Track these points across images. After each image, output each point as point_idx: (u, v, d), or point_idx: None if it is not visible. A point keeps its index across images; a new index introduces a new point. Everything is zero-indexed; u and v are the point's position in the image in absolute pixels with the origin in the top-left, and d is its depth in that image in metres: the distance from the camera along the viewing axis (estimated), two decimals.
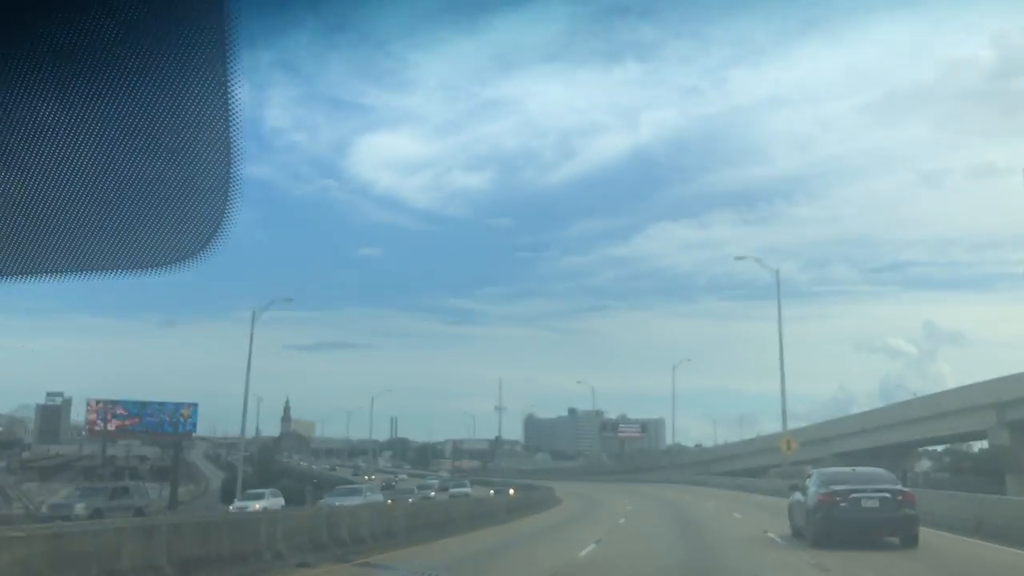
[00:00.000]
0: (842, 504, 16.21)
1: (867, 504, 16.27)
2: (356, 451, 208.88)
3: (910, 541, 16.23)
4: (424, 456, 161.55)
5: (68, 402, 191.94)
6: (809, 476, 18.02)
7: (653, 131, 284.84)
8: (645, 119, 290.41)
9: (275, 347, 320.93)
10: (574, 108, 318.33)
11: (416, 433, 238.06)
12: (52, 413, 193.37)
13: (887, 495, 16.41)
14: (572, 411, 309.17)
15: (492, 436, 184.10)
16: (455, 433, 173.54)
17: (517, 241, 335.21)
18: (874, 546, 16.10)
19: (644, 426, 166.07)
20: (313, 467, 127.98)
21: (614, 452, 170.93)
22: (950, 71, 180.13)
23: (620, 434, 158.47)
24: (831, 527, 16.15)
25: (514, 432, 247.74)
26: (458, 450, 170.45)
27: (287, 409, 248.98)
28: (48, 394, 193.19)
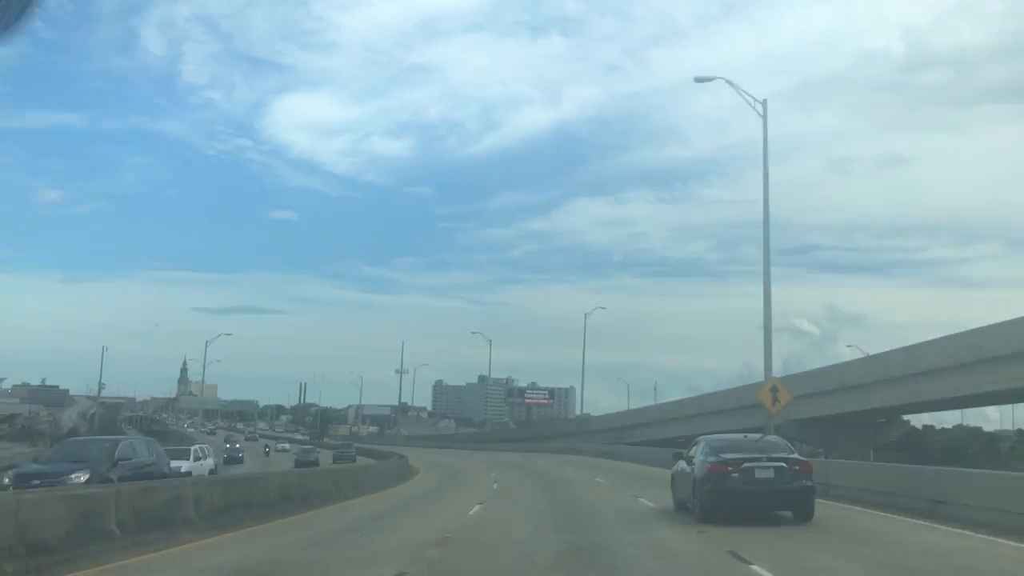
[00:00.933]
0: (734, 474, 14.57)
1: (761, 474, 14.69)
2: (261, 415, 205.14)
3: (805, 515, 14.82)
4: (324, 421, 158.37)
5: None
6: (696, 444, 16.37)
7: (575, 107, 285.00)
8: (568, 95, 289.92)
9: (185, 308, 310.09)
10: (498, 79, 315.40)
11: (326, 399, 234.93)
12: None
13: (782, 464, 14.87)
14: (482, 378, 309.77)
15: (397, 402, 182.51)
16: (364, 400, 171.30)
17: (437, 211, 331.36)
18: (765, 521, 14.64)
19: (552, 393, 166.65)
20: (191, 430, 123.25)
21: (520, 419, 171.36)
22: (863, 62, 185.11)
23: (527, 400, 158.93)
24: (721, 499, 14.53)
25: (423, 399, 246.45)
26: (360, 415, 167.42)
27: (184, 370, 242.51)
28: None
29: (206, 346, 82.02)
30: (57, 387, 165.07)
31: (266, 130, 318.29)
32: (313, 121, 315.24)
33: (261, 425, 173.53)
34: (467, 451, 79.54)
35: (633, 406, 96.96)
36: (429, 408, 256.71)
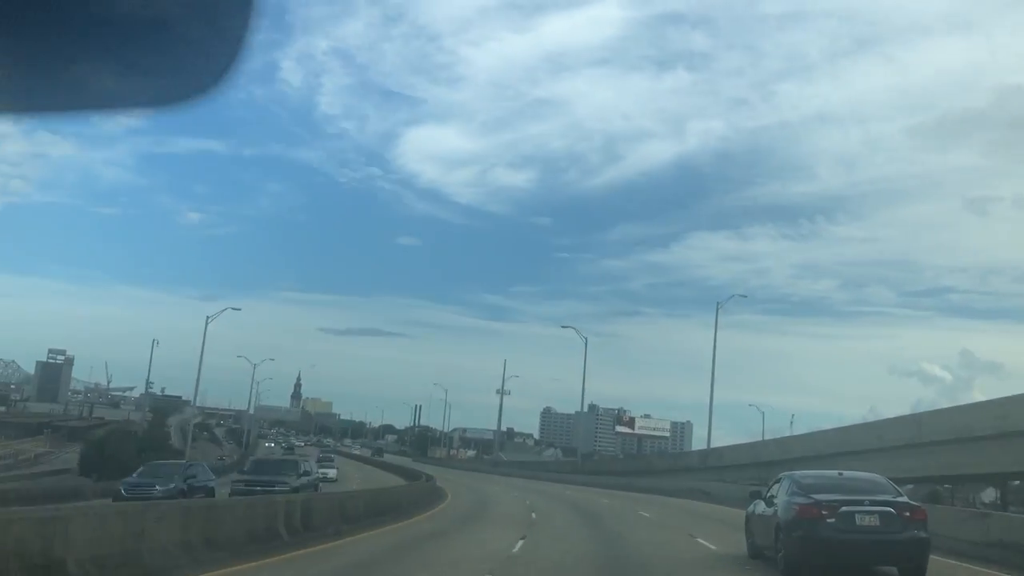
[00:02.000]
0: (829, 519, 12.38)
1: (863, 521, 12.44)
2: (364, 433, 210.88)
3: (916, 573, 12.44)
4: (423, 442, 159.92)
5: (70, 361, 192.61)
6: (778, 481, 14.16)
7: (699, 141, 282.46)
8: (692, 128, 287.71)
9: (311, 329, 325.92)
10: (622, 113, 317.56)
11: (438, 422, 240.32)
12: (52, 371, 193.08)
13: (890, 510, 12.56)
14: (593, 407, 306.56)
15: (504, 428, 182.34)
16: (474, 424, 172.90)
17: (556, 241, 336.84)
18: None
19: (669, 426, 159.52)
20: (268, 444, 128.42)
21: (630, 451, 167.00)
22: (1004, 98, 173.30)
23: (638, 431, 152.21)
24: (813, 550, 12.35)
25: (531, 427, 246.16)
26: (463, 439, 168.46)
27: (298, 386, 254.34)
28: (50, 351, 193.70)
29: (314, 368, 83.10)
30: (180, 397, 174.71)
31: (396, 160, 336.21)
32: (440, 152, 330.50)
33: (347, 442, 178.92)
34: (545, 482, 64.08)
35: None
36: (536, 435, 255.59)
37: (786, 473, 14.51)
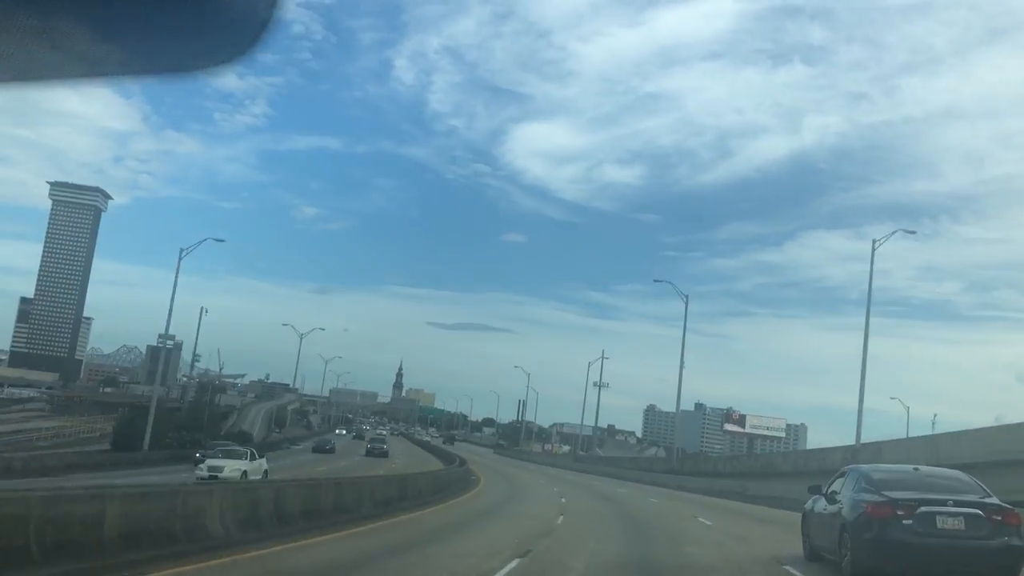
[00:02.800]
0: (906, 521, 11.04)
1: (946, 524, 11.05)
2: (458, 425, 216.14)
3: None
4: (515, 435, 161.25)
5: (179, 346, 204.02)
6: (842, 475, 12.79)
7: (816, 136, 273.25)
8: (808, 123, 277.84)
9: (420, 323, 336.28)
10: (734, 108, 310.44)
11: (542, 418, 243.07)
12: (160, 356, 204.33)
13: (977, 512, 11.13)
14: (699, 406, 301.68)
15: (604, 425, 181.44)
16: (574, 419, 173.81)
17: (663, 239, 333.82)
18: None
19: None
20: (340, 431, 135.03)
21: (741, 451, 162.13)
22: None
23: (749, 430, 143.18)
24: (885, 554, 11.05)
25: (635, 425, 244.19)
26: (561, 434, 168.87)
27: (399, 376, 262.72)
28: (159, 336, 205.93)
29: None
30: (287, 385, 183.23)
31: (503, 156, 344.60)
32: (548, 149, 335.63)
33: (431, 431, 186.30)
34: (627, 482, 56.62)
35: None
36: (639, 434, 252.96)
37: (852, 466, 13.15)
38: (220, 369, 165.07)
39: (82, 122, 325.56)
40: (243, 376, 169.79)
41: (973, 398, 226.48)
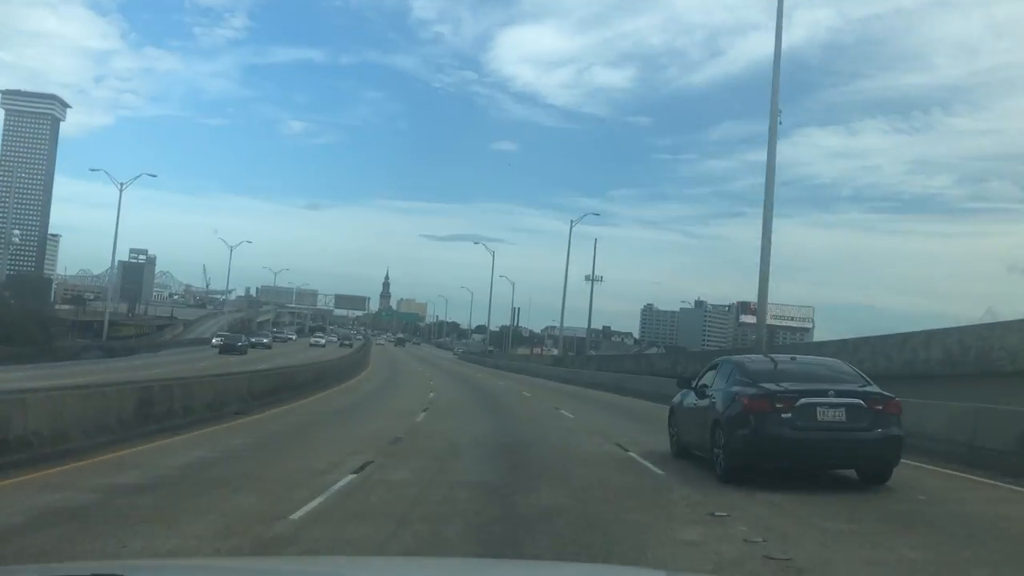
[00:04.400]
0: (784, 414, 10.78)
1: (827, 415, 10.78)
2: (461, 335, 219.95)
3: (881, 476, 10.94)
4: (500, 340, 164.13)
5: (152, 261, 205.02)
6: (715, 367, 12.47)
7: (806, 32, 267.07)
8: (798, 19, 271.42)
9: (413, 235, 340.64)
10: (724, 5, 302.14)
11: (535, 323, 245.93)
12: (134, 271, 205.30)
13: (859, 402, 10.86)
14: (700, 303, 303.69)
15: (599, 326, 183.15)
16: (571, 323, 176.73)
17: (655, 142, 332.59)
18: (815, 482, 10.91)
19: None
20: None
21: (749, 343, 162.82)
22: None
23: (772, 321, 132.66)
24: (762, 449, 10.83)
25: (631, 326, 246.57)
26: (553, 337, 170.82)
27: (386, 285, 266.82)
28: (131, 251, 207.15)
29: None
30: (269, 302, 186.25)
31: (491, 63, 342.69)
32: (536, 53, 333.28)
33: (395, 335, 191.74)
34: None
35: None
36: (636, 335, 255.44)
37: (724, 358, 12.80)
38: (207, 286, 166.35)
39: (60, 41, 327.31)
40: (231, 292, 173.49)
41: (965, 290, 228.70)
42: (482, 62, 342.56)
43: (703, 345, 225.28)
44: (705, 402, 12.03)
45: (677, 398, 13.70)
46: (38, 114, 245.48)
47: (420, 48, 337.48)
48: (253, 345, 69.69)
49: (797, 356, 13.39)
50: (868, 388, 11.14)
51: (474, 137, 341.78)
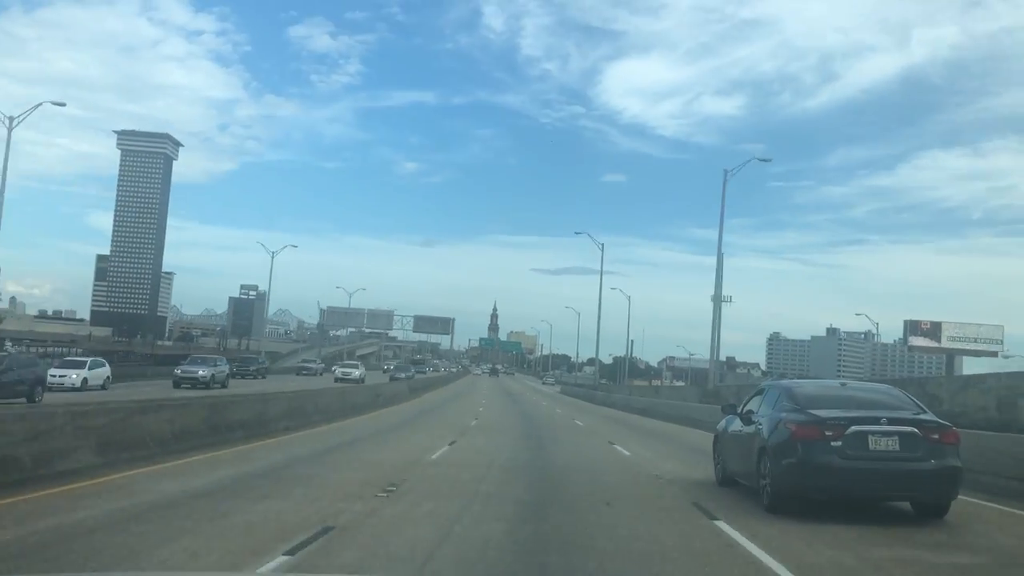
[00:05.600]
0: (834, 442, 10.82)
1: (879, 444, 10.78)
2: (570, 367, 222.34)
3: (938, 509, 10.80)
4: (614, 372, 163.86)
5: (262, 296, 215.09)
6: (761, 393, 12.49)
7: (927, 51, 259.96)
8: (918, 37, 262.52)
9: (524, 270, 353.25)
10: (837, 27, 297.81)
11: (649, 355, 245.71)
12: (244, 307, 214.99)
13: (913, 430, 10.80)
14: (832, 331, 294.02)
15: (723, 358, 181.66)
16: (687, 354, 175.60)
17: (769, 170, 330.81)
18: (866, 515, 10.86)
19: None
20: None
21: (930, 372, 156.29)
22: None
23: (948, 344, 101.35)
24: (810, 480, 10.88)
25: (755, 356, 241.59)
26: (671, 368, 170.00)
27: (494, 318, 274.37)
28: (242, 287, 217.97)
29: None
30: (385, 333, 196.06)
31: (598, 97, 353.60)
32: (644, 85, 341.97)
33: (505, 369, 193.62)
34: None
35: None
36: (763, 366, 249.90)
37: (770, 382, 12.84)
38: (321, 323, 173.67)
39: (187, 92, 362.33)
40: (345, 329, 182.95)
41: None
42: (590, 96, 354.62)
43: (838, 375, 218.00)
44: (751, 428, 12.16)
45: (722, 424, 13.83)
46: (151, 153, 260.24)
47: (528, 85, 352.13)
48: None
49: (848, 382, 13.30)
50: (923, 416, 11.07)
51: (583, 170, 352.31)
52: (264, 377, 65.79)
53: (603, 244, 73.50)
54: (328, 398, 29.67)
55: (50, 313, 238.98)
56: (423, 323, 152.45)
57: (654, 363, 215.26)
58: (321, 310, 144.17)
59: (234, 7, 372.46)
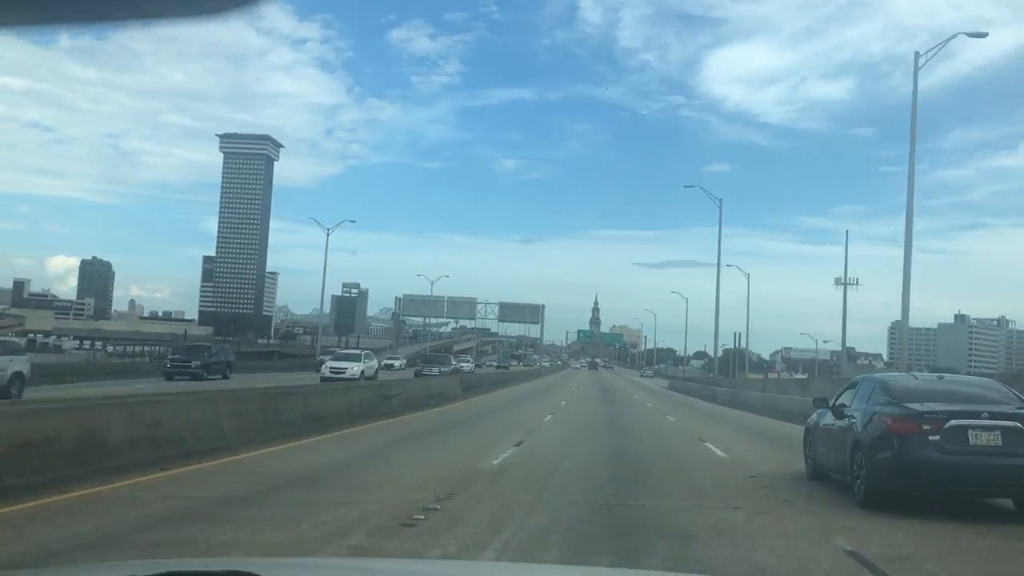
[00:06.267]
0: (932, 437, 10.73)
1: (980, 439, 10.65)
2: (677, 361, 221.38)
3: None
4: (725, 365, 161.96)
5: (364, 294, 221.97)
6: (854, 386, 12.34)
7: None
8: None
9: (626, 264, 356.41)
10: (950, 3, 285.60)
11: (760, 347, 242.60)
12: (346, 304, 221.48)
13: (1016, 425, 10.62)
14: (961, 317, 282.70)
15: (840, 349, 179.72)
16: (801, 345, 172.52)
17: (880, 154, 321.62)
18: (964, 511, 10.71)
19: None
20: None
21: None
22: None
23: None
24: (907, 475, 10.81)
25: (876, 347, 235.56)
26: (786, 359, 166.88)
27: (595, 312, 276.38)
28: (344, 285, 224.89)
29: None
30: (487, 329, 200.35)
31: (699, 86, 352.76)
32: (747, 72, 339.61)
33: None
34: None
35: None
36: (885, 357, 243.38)
37: (865, 376, 12.70)
38: (425, 321, 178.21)
39: (294, 100, 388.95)
40: (447, 323, 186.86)
41: None
42: (690, 85, 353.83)
43: (970, 365, 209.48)
44: (844, 422, 12.11)
45: (813, 417, 13.79)
46: (253, 155, 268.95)
47: (627, 77, 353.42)
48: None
49: (946, 375, 13.06)
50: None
51: (685, 161, 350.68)
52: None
53: (720, 199, 66.71)
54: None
55: (159, 314, 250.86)
56: (509, 311, 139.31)
57: (765, 356, 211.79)
58: (397, 298, 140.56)
59: (337, 14, 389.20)
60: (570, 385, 71.02)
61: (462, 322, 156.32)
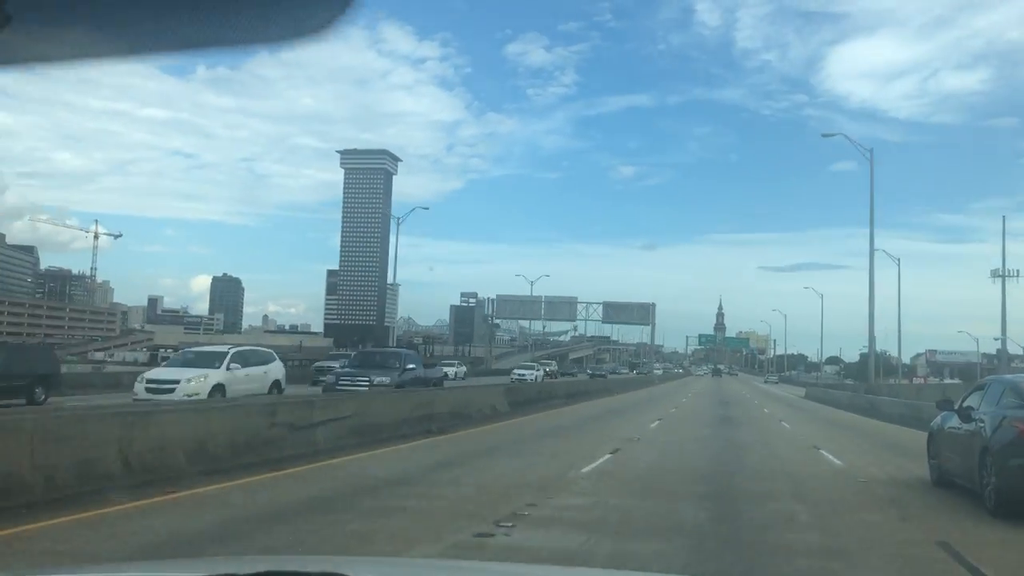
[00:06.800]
0: None
1: None
2: (809, 367, 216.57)
3: None
4: (863, 370, 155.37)
5: (482, 303, 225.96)
6: (982, 388, 11.70)
7: None
8: None
9: (751, 268, 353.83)
10: None
11: (903, 353, 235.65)
12: (465, 314, 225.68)
13: None
14: None
15: (993, 351, 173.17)
16: (946, 348, 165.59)
17: (1020, 146, 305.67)
18: None
19: None
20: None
21: None
22: None
23: None
24: None
25: None
26: (931, 363, 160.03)
27: (720, 316, 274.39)
28: (462, 295, 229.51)
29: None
30: (607, 337, 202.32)
31: (822, 83, 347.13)
32: (873, 67, 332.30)
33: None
34: None
35: None
36: None
37: (994, 377, 12.05)
38: (543, 327, 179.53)
39: (416, 118, 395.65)
40: (566, 333, 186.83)
41: None
42: (813, 83, 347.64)
43: None
44: (971, 426, 11.59)
45: (937, 421, 13.24)
46: (372, 169, 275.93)
47: (746, 78, 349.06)
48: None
49: None
50: None
51: (809, 161, 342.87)
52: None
53: (871, 150, 54.99)
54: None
55: (287, 328, 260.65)
56: (615, 310, 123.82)
57: (906, 359, 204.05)
58: (489, 299, 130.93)
59: (454, 32, 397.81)
60: (676, 398, 55.44)
61: (568, 326, 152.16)
